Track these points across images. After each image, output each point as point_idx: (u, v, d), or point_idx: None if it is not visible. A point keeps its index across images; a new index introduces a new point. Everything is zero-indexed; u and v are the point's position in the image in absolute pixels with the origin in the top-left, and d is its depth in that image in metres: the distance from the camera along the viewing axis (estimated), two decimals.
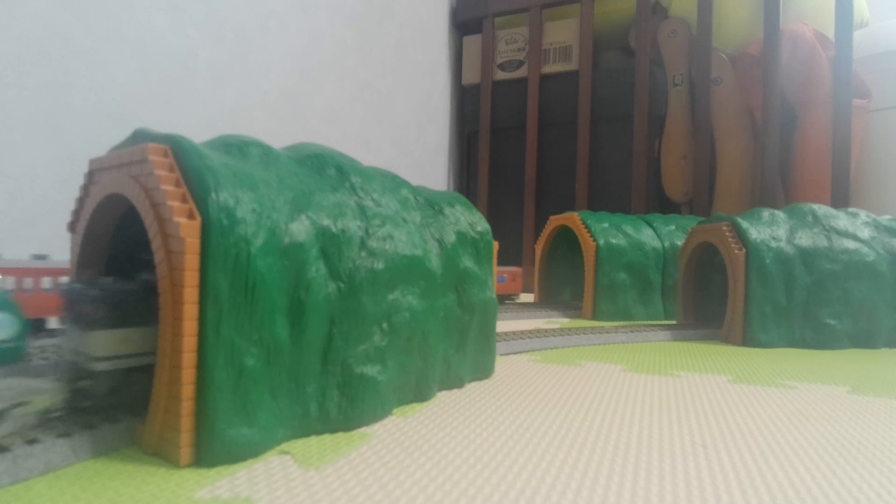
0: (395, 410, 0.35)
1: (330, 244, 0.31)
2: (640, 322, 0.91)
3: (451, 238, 0.41)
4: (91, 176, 0.31)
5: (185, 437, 0.25)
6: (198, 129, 0.86)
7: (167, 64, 0.84)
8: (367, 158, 1.26)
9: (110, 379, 0.28)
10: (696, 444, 0.30)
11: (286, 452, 0.27)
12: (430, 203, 0.42)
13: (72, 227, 0.32)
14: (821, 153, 1.29)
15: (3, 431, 0.24)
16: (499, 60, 1.60)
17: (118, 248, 0.32)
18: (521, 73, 1.57)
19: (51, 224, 0.69)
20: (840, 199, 1.23)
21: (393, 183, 0.40)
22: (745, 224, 0.71)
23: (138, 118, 0.79)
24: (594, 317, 0.93)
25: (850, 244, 0.72)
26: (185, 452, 0.25)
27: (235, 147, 0.31)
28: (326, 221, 0.31)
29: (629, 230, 0.98)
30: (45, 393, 0.26)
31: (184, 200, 0.26)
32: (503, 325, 0.81)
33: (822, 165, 1.28)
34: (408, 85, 1.46)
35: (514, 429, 0.32)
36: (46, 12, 0.68)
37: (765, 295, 0.69)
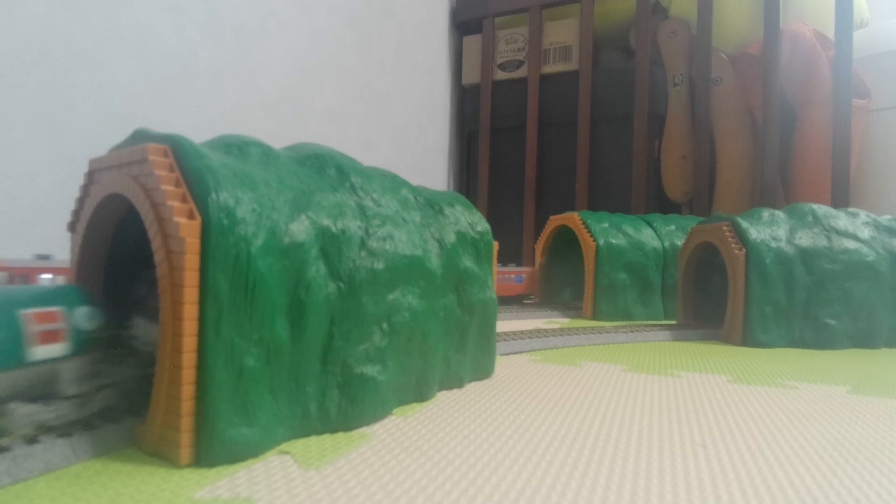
0: (395, 410, 0.35)
1: (330, 244, 0.31)
2: (640, 322, 0.91)
3: (451, 238, 0.41)
4: (91, 176, 0.31)
5: (185, 437, 0.25)
6: (198, 129, 0.86)
7: (167, 64, 0.84)
8: (367, 158, 1.26)
9: None
10: (696, 444, 0.30)
11: (286, 452, 0.27)
12: (430, 203, 0.42)
13: (72, 227, 0.32)
14: (821, 153, 1.29)
15: (91, 410, 0.27)
16: (499, 60, 1.60)
17: (118, 247, 0.33)
18: (521, 73, 1.57)
19: (51, 224, 0.69)
20: (840, 199, 1.23)
21: (393, 183, 0.40)
22: (745, 224, 0.71)
23: (138, 118, 0.79)
24: (594, 317, 0.93)
25: (850, 244, 0.72)
26: (185, 452, 0.25)
27: (235, 147, 0.31)
28: (326, 221, 0.31)
29: (629, 230, 0.98)
30: (122, 378, 0.29)
31: (184, 200, 0.26)
32: (503, 325, 0.81)
33: (822, 165, 1.28)
34: (408, 85, 1.45)
35: (514, 429, 0.32)
36: (46, 12, 0.68)
37: (765, 295, 0.69)
